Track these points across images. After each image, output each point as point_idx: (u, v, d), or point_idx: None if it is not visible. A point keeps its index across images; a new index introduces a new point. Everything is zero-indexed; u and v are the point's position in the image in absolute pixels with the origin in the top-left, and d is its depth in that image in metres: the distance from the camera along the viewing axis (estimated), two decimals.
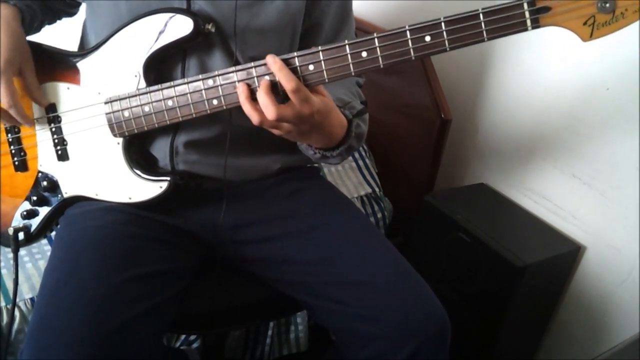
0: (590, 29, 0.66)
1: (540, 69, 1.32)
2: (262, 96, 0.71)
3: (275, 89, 0.73)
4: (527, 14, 0.66)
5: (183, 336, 1.26)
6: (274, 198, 0.96)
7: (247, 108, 0.72)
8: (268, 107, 0.70)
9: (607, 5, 0.63)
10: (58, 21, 1.01)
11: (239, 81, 0.75)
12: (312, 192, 0.99)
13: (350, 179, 1.56)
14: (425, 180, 1.53)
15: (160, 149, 0.88)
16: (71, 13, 1.00)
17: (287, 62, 0.73)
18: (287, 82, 0.70)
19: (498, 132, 1.48)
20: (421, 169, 1.53)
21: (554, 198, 1.34)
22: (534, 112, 1.36)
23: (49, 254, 1.13)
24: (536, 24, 0.66)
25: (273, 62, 0.72)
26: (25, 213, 0.92)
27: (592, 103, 1.22)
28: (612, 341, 1.27)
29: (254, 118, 0.72)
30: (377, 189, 1.57)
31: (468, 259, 1.29)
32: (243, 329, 1.34)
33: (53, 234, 0.96)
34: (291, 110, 0.71)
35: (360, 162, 1.60)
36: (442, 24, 0.68)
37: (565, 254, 1.28)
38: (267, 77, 0.73)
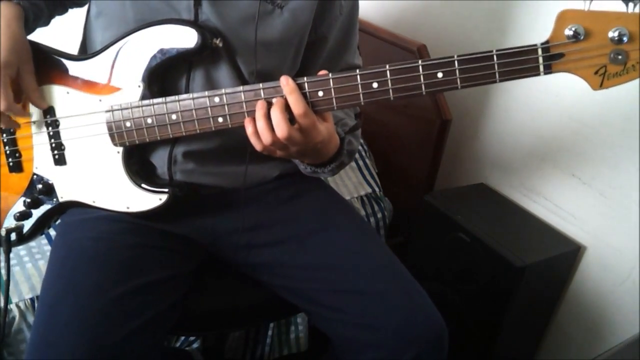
0: (601, 79, 0.66)
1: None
2: (277, 113, 0.71)
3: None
4: (540, 60, 0.66)
5: (183, 337, 1.26)
6: (273, 203, 0.96)
7: (261, 125, 0.72)
8: (280, 124, 0.70)
9: (620, 57, 0.64)
10: (69, 10, 0.99)
11: (246, 101, 0.75)
12: (311, 196, 0.98)
13: (350, 179, 1.56)
14: (425, 180, 1.53)
15: (159, 158, 0.87)
16: (80, 3, 0.97)
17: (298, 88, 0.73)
18: (297, 105, 0.71)
19: (498, 132, 1.48)
20: (421, 169, 1.53)
21: (554, 198, 1.34)
22: (533, 112, 1.36)
23: (49, 254, 1.13)
24: (549, 70, 0.67)
25: (286, 83, 0.71)
26: (18, 214, 0.91)
27: (592, 103, 1.22)
28: (612, 341, 1.27)
29: (266, 136, 0.72)
30: (377, 189, 1.57)
31: (468, 259, 1.29)
32: (243, 330, 1.34)
33: (53, 233, 0.96)
34: (299, 134, 0.71)
35: (360, 162, 1.60)
36: (456, 62, 0.68)
37: (565, 254, 1.28)
38: (274, 100, 0.73)
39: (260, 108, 0.72)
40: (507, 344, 1.33)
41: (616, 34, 0.63)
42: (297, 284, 0.90)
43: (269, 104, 0.73)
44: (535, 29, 1.28)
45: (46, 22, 0.92)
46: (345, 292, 0.85)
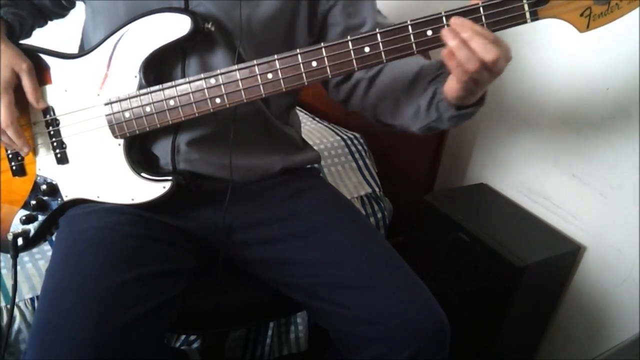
0: (587, 20, 0.67)
1: (540, 68, 1.32)
2: (479, 37, 0.67)
3: None
4: (526, 7, 0.67)
5: (183, 336, 1.26)
6: (275, 199, 0.96)
7: (464, 54, 0.67)
8: (488, 46, 0.66)
9: None
10: (49, 22, 1.00)
11: (242, 79, 0.75)
12: (312, 194, 0.99)
13: (350, 179, 1.56)
14: (425, 180, 1.53)
15: (162, 148, 0.88)
16: (62, 15, 1.00)
17: (290, 60, 0.74)
18: (488, 32, 0.68)
19: (498, 132, 1.48)
20: (421, 169, 1.53)
21: (554, 198, 1.34)
22: (534, 111, 1.36)
23: (49, 254, 1.13)
24: (535, 16, 0.67)
25: (462, 23, 0.68)
26: (24, 218, 0.92)
27: (592, 103, 1.22)
28: (612, 341, 1.27)
29: (472, 63, 0.68)
30: (377, 189, 1.57)
31: (468, 259, 1.29)
32: (243, 329, 1.34)
33: (53, 236, 0.96)
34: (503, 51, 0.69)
35: (360, 162, 1.60)
36: (443, 18, 0.69)
37: (565, 254, 1.28)
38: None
39: (452, 38, 0.68)
40: (507, 344, 1.33)
41: None
42: (299, 280, 0.90)
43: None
44: None
45: (29, 33, 0.94)
46: (347, 287, 0.85)
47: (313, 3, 0.89)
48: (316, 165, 1.10)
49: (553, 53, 1.28)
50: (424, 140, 1.49)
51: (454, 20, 0.68)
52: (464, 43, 0.68)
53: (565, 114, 1.28)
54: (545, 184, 1.36)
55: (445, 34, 0.69)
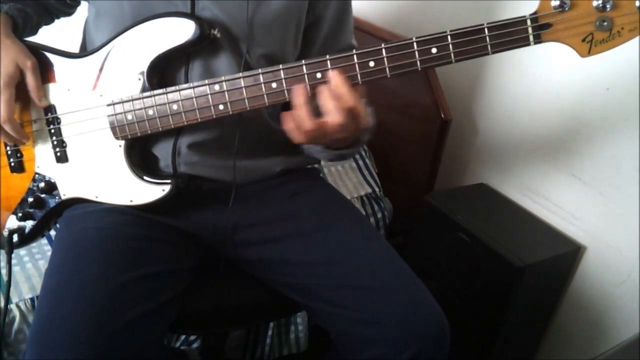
0: (589, 46, 0.69)
1: (540, 68, 1.32)
2: (329, 102, 0.71)
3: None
4: (530, 30, 0.68)
5: (183, 336, 1.26)
6: (275, 199, 0.96)
7: (302, 112, 0.72)
8: (332, 113, 0.71)
9: (605, 23, 0.66)
10: (56, 20, 1.01)
11: (246, 87, 0.75)
12: (312, 194, 0.99)
13: (350, 179, 1.56)
14: (425, 180, 1.53)
15: (163, 149, 0.88)
16: (69, 13, 1.00)
17: (295, 70, 0.74)
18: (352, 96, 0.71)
19: (498, 132, 1.49)
20: (421, 169, 1.53)
21: (554, 198, 1.35)
22: (533, 112, 1.36)
23: (49, 254, 1.13)
24: (538, 40, 0.69)
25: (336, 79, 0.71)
26: (20, 215, 0.92)
27: (592, 103, 1.22)
28: (612, 341, 1.27)
29: (306, 124, 0.72)
30: (377, 189, 1.57)
31: (468, 259, 1.29)
32: (243, 329, 1.34)
33: (53, 233, 0.96)
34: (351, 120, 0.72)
35: (360, 162, 1.60)
36: (449, 37, 0.70)
37: (565, 254, 1.28)
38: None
39: (300, 95, 0.72)
40: (507, 344, 1.33)
41: (600, 1, 0.65)
42: (299, 280, 0.90)
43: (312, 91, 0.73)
44: None
45: (34, 30, 0.94)
46: (348, 288, 0.85)
47: (311, 10, 0.89)
48: (316, 166, 1.10)
49: (553, 53, 1.28)
50: (424, 140, 1.49)
51: (330, 73, 0.71)
52: (307, 103, 0.71)
53: (565, 114, 1.28)
54: (545, 184, 1.36)
55: (297, 90, 0.72)
